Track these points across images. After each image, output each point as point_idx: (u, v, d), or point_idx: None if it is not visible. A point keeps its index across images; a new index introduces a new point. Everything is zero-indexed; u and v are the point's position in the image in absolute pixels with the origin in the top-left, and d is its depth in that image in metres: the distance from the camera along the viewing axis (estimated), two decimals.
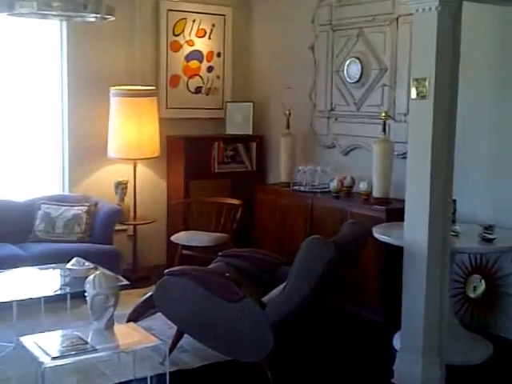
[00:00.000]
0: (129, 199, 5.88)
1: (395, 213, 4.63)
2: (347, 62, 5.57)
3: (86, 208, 5.52)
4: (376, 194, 5.07)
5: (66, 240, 5.36)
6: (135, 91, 5.72)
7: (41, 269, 4.60)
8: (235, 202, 5.78)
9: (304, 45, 5.99)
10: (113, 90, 5.70)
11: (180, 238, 5.62)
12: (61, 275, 4.38)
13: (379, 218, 4.82)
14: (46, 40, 5.78)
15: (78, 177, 5.88)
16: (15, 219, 5.40)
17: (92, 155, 5.86)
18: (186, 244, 5.57)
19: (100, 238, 5.43)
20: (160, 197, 6.23)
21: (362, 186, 5.25)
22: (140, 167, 6.03)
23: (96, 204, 5.59)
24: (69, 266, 4.40)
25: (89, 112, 5.81)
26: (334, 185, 5.41)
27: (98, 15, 4.14)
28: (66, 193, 5.88)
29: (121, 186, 5.81)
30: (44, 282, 4.42)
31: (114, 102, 5.70)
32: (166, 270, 4.03)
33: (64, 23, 5.60)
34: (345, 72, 5.61)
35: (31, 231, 5.41)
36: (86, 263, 4.44)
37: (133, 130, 5.69)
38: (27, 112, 5.78)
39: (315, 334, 4.67)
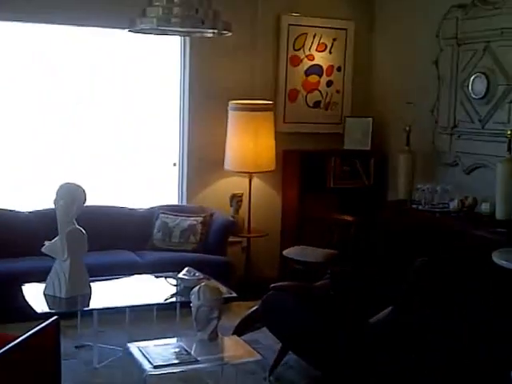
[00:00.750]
0: (243, 212, 5.92)
1: None
2: (472, 77, 5.32)
3: (201, 219, 5.63)
4: (499, 215, 4.78)
5: (181, 249, 5.48)
6: (253, 105, 5.77)
7: (156, 276, 4.73)
8: (348, 218, 5.67)
9: (427, 59, 5.79)
10: (231, 103, 5.78)
11: (292, 252, 5.58)
12: (172, 284, 4.46)
13: (500, 241, 4.53)
14: (167, 55, 5.96)
15: (195, 188, 6.01)
16: (135, 227, 5.60)
17: (209, 167, 5.96)
18: (298, 259, 5.52)
19: (214, 248, 5.51)
20: (274, 210, 6.24)
21: (484, 207, 4.98)
22: (255, 180, 6.07)
23: (211, 215, 5.68)
24: (180, 275, 4.48)
25: (207, 125, 5.93)
26: (454, 205, 5.17)
27: (216, 31, 4.20)
28: (183, 203, 6.02)
29: (236, 199, 5.87)
30: (156, 289, 4.53)
31: (232, 116, 5.78)
32: (272, 285, 4.00)
33: (187, 38, 5.75)
34: (469, 87, 5.36)
35: (149, 239, 5.58)
36: (197, 273, 4.51)
37: (249, 144, 5.73)
38: (149, 124, 5.99)
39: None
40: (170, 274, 4.63)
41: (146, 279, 4.67)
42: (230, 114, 5.79)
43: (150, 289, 4.53)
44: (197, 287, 3.60)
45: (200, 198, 6.01)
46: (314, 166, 6.10)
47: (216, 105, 5.85)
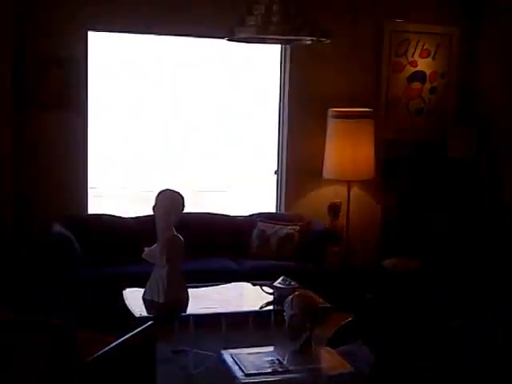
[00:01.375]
0: (341, 221, 5.84)
1: None
2: None
3: (298, 227, 5.60)
4: None
5: (278, 258, 5.47)
6: (353, 113, 5.69)
7: (252, 284, 4.75)
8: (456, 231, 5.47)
9: None
10: (331, 111, 5.73)
11: (391, 263, 5.45)
12: (267, 292, 4.46)
13: None
14: (266, 63, 6.01)
15: (293, 196, 6.00)
16: (233, 234, 5.64)
17: (307, 176, 5.94)
18: (396, 270, 5.39)
19: (311, 257, 5.46)
20: (373, 220, 6.11)
21: None
22: (354, 189, 5.98)
23: (309, 224, 5.65)
24: (275, 283, 4.48)
25: (306, 133, 5.91)
26: None
27: (314, 38, 4.18)
28: (281, 211, 6.02)
29: (334, 208, 5.80)
30: (252, 297, 4.55)
31: (332, 124, 5.73)
32: (367, 295, 3.93)
33: (287, 46, 5.77)
34: None
35: (247, 247, 5.61)
36: (292, 282, 4.49)
37: (348, 152, 5.66)
38: (248, 132, 6.05)
39: None
40: (266, 282, 4.63)
41: (242, 287, 4.71)
42: (330, 121, 5.75)
43: (245, 296, 4.55)
44: (290, 296, 3.57)
45: (298, 206, 5.99)
46: (415, 173, 5.94)
47: (315, 113, 5.83)
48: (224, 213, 5.84)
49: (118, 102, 5.81)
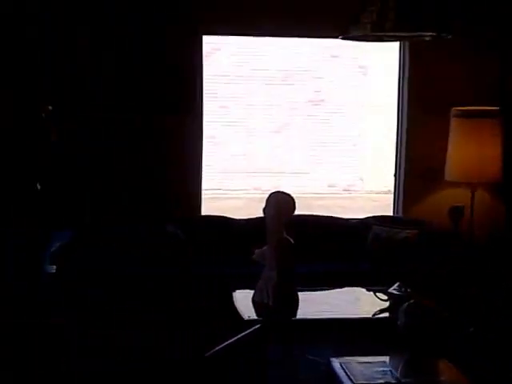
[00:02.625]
0: (464, 227, 5.52)
1: None
2: None
3: (415, 232, 5.36)
4: None
5: (393, 262, 5.26)
6: (477, 111, 5.38)
7: (367, 290, 4.58)
8: None
9: None
10: (454, 110, 5.44)
11: None
12: (382, 299, 4.28)
13: None
14: (384, 61, 5.81)
15: (412, 199, 5.76)
16: (347, 237, 5.49)
17: (427, 177, 5.67)
18: None
19: (429, 262, 5.21)
20: (500, 227, 5.75)
21: None
22: (479, 193, 5.65)
23: (427, 228, 5.40)
24: (391, 290, 4.31)
25: (427, 133, 5.66)
26: None
27: (434, 33, 3.96)
28: (399, 214, 5.80)
29: (456, 211, 5.49)
30: (366, 303, 4.38)
31: (454, 123, 5.44)
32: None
33: (406, 43, 5.54)
34: None
35: (362, 250, 5.44)
36: (408, 289, 4.29)
37: (473, 153, 5.35)
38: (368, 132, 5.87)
39: None
40: (381, 287, 4.44)
41: (355, 291, 4.56)
42: (453, 120, 5.46)
43: (358, 302, 4.40)
44: (405, 304, 3.39)
45: (416, 210, 5.75)
46: None
47: (436, 112, 5.56)
48: (339, 215, 5.71)
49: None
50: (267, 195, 4.23)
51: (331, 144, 10.91)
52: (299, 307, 4.18)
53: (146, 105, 5.40)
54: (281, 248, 4.08)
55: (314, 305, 4.29)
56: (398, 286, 4.35)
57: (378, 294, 4.32)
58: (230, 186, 11.65)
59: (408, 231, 5.39)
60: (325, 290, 4.59)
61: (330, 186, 10.94)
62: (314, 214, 5.68)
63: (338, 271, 5.11)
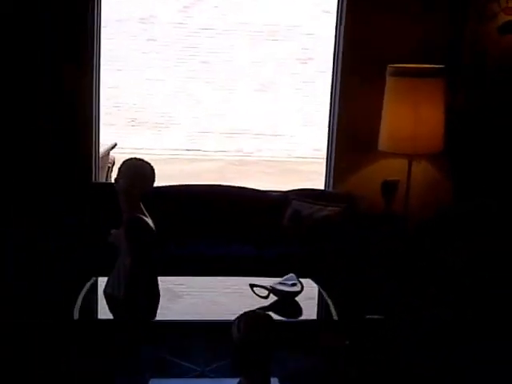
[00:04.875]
0: (399, 203, 4.73)
1: None
2: None
3: (340, 209, 4.59)
4: None
5: (313, 244, 4.51)
6: (417, 69, 4.52)
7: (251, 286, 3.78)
8: None
9: None
10: (390, 68, 4.59)
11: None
12: (260, 295, 3.53)
13: None
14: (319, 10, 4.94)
15: (344, 171, 4.96)
16: (263, 214, 4.74)
17: (360, 147, 4.86)
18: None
19: (353, 245, 4.45)
20: (442, 201, 4.94)
21: None
22: (422, 165, 4.84)
23: (354, 205, 4.62)
24: (276, 284, 3.57)
25: (363, 97, 4.82)
26: None
27: None
28: (330, 188, 5.02)
29: (388, 186, 4.70)
30: (245, 300, 3.63)
31: (390, 84, 4.60)
32: None
33: None
34: None
35: (277, 230, 4.69)
36: (297, 283, 3.56)
37: (409, 119, 4.51)
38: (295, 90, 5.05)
39: None
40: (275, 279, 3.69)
41: (238, 283, 3.81)
42: (388, 80, 4.61)
43: (234, 299, 3.66)
44: (241, 314, 2.65)
45: (348, 182, 4.95)
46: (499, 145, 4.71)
47: (374, 72, 4.71)
48: (256, 187, 4.95)
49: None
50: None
51: (318, 105, 10.12)
52: (159, 303, 3.44)
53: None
54: (132, 228, 3.34)
55: (177, 301, 3.56)
56: (286, 279, 3.61)
57: (256, 288, 3.57)
58: (210, 147, 11.06)
59: (331, 208, 4.63)
60: (207, 279, 3.85)
61: (315, 150, 10.18)
62: (228, 184, 4.93)
63: (243, 254, 4.40)
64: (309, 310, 3.59)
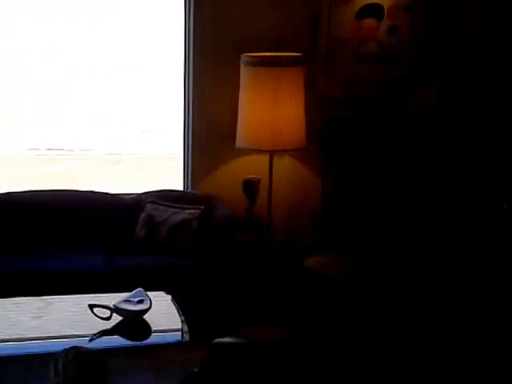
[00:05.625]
0: (262, 203, 4.43)
1: None
2: None
3: (199, 212, 4.23)
4: None
5: (169, 253, 4.12)
6: (274, 58, 4.22)
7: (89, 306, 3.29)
8: None
9: None
10: (245, 57, 4.26)
11: (315, 262, 4.05)
12: (102, 317, 3.08)
13: None
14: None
15: (202, 170, 4.60)
16: (116, 220, 4.29)
17: (220, 144, 4.52)
18: (321, 273, 3.99)
19: (212, 253, 4.10)
20: (310, 200, 4.69)
21: None
22: (284, 160, 4.57)
23: (212, 208, 4.27)
24: (119, 302, 3.14)
25: (219, 87, 4.48)
26: None
27: None
28: (189, 189, 4.64)
29: (250, 186, 4.39)
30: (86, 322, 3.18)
31: (246, 74, 4.27)
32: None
33: None
34: None
35: (130, 238, 4.26)
36: (147, 299, 3.14)
37: (267, 112, 4.20)
38: (145, 85, 4.63)
39: None
40: (124, 294, 3.26)
41: (77, 303, 3.34)
42: (243, 70, 4.28)
43: (61, 323, 3.18)
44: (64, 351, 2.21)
45: (208, 182, 4.59)
46: (366, 140, 4.51)
47: (229, 61, 4.37)
48: (108, 191, 4.50)
49: None
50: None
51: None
52: None
53: None
54: None
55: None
56: (135, 295, 3.19)
57: (97, 309, 3.12)
58: (74, 145, 10.32)
59: (189, 211, 4.25)
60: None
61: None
62: (72, 189, 4.43)
63: (89, 267, 3.93)
64: (159, 328, 3.18)
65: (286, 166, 4.61)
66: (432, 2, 4.67)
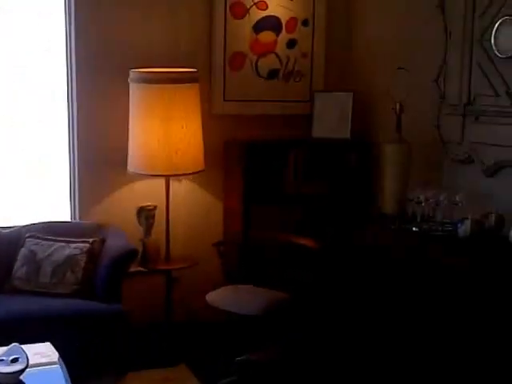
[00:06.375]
0: (160, 232, 4.05)
1: None
2: (497, 24, 3.37)
3: (87, 246, 3.78)
4: None
5: (54, 293, 3.65)
6: (167, 74, 3.88)
7: None
8: (309, 243, 3.78)
9: (429, 2, 3.83)
10: (133, 73, 3.88)
11: (219, 298, 3.70)
12: None
13: None
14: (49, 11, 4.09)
15: (92, 198, 4.16)
16: None
17: (111, 168, 4.11)
18: (224, 309, 3.64)
19: (103, 292, 3.67)
20: (210, 228, 4.36)
21: None
22: (182, 184, 4.23)
23: (103, 241, 3.84)
24: None
25: (108, 107, 4.08)
26: (465, 227, 3.24)
27: None
28: (77, 219, 4.19)
29: (145, 215, 4.00)
30: None
31: (135, 92, 3.90)
32: None
33: None
34: (492, 41, 3.41)
35: (9, 277, 3.76)
36: (22, 358, 2.67)
37: (162, 133, 3.84)
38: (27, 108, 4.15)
39: None
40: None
41: None
42: (132, 88, 3.91)
43: None
44: None
45: (98, 212, 4.16)
46: (267, 162, 4.23)
47: (116, 78, 3.98)
48: None
49: None
50: None
51: None
52: None
53: None
54: None
55: None
56: (8, 352, 2.72)
57: None
58: None
59: (77, 245, 3.81)
60: None
61: None
62: None
63: None
64: None
65: (184, 190, 4.27)
66: (332, 16, 4.48)
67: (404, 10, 4.08)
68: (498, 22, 3.37)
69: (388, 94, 3.84)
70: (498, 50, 3.41)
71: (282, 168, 4.24)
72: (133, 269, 3.86)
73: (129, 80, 3.87)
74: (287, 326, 3.55)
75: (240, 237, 4.10)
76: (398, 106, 3.77)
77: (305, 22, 4.45)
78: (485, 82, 3.53)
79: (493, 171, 3.52)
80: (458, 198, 3.48)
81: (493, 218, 3.30)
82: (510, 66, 3.36)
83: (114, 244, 3.80)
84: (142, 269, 3.96)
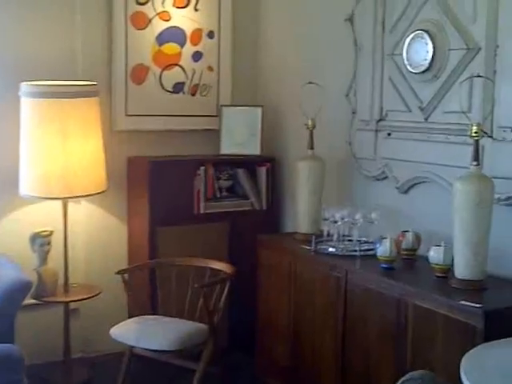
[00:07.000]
0: (57, 260, 3.70)
1: (503, 316, 2.35)
2: (409, 39, 3.29)
3: None
4: (461, 271, 2.76)
5: None
6: (63, 88, 3.55)
7: None
8: (223, 267, 3.55)
9: (338, 15, 3.74)
10: (25, 86, 3.53)
11: (126, 332, 3.40)
12: None
13: (469, 325, 2.50)
14: None
15: None
16: None
17: (3, 191, 3.73)
18: (135, 345, 3.35)
19: None
20: (114, 253, 4.05)
21: (435, 256, 2.94)
22: (81, 207, 3.90)
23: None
24: None
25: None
26: (384, 249, 3.12)
27: None
28: None
29: (40, 241, 3.64)
30: None
31: (28, 107, 3.55)
32: None
33: None
34: (404, 55, 3.33)
35: None
36: None
37: (57, 152, 3.51)
38: None
39: None
40: None
41: None
42: (24, 103, 3.55)
43: None
44: None
45: None
46: (174, 180, 3.97)
47: (8, 91, 3.62)
48: None
49: None
50: None
51: None
52: None
53: None
54: None
55: None
56: None
57: None
58: None
59: None
60: None
61: None
62: None
63: None
64: None
65: (84, 213, 3.94)
66: (239, 28, 4.30)
67: (314, 23, 3.97)
68: (410, 37, 3.30)
69: (299, 110, 3.70)
70: (409, 65, 3.33)
71: (191, 186, 4.00)
72: (26, 301, 3.49)
73: (19, 94, 3.51)
74: (202, 359, 3.29)
75: (147, 263, 3.82)
76: (310, 122, 3.63)
77: (210, 35, 4.25)
78: (397, 97, 3.46)
79: (406, 188, 3.45)
80: (373, 216, 3.38)
81: (410, 237, 3.21)
82: (422, 81, 3.29)
83: (5, 275, 3.41)
84: (35, 301, 3.59)
